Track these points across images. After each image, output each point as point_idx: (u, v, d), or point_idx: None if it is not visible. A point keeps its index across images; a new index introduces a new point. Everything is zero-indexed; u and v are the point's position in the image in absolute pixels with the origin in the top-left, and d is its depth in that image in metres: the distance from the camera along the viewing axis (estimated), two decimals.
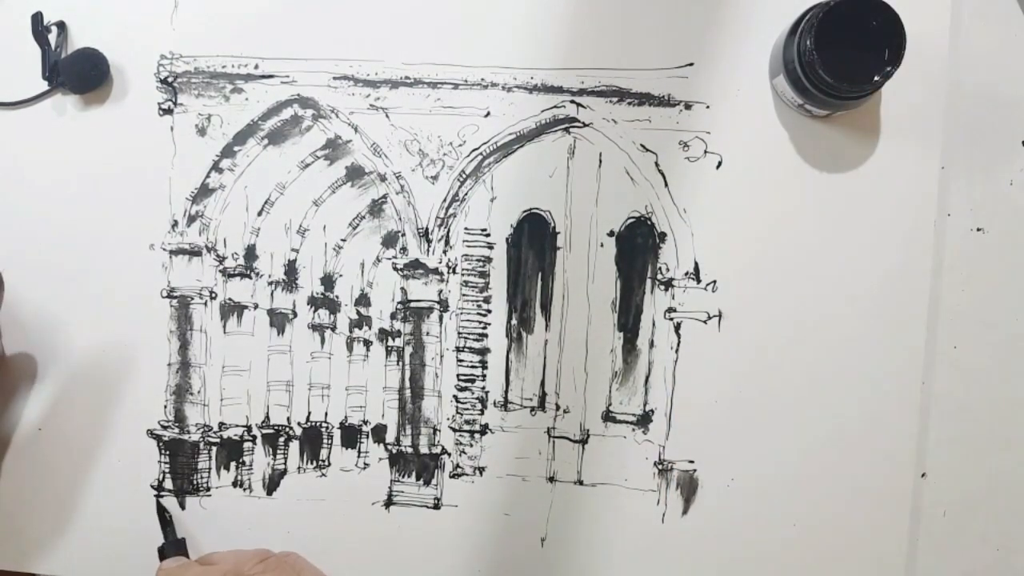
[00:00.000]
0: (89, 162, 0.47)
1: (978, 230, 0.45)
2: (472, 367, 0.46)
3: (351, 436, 0.47)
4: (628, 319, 0.46)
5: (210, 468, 0.47)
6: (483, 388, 0.46)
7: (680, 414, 0.46)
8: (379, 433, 0.47)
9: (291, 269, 0.47)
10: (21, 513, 0.47)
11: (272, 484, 0.47)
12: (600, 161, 0.46)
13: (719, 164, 0.45)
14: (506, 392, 0.46)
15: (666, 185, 0.46)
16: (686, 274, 0.46)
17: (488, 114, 0.46)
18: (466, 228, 0.46)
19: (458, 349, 0.46)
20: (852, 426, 0.45)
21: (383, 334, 0.47)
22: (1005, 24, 0.45)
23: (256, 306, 0.47)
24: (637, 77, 0.45)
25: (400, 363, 0.47)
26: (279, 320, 0.47)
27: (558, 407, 0.46)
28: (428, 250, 0.46)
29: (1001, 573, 0.45)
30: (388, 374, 0.47)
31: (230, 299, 0.47)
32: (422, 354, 0.47)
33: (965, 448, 0.46)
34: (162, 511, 0.46)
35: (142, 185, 0.47)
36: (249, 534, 0.47)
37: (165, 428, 0.47)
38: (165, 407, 0.47)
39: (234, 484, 0.47)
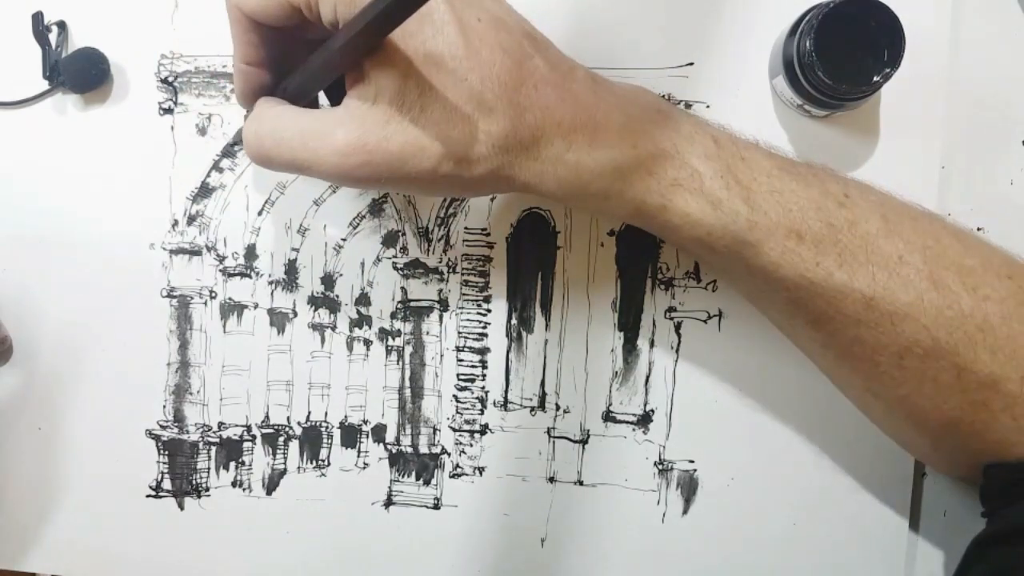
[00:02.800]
0: (89, 162, 0.47)
1: (978, 230, 0.45)
2: (472, 367, 0.46)
3: (351, 436, 0.47)
4: (628, 319, 0.46)
5: (209, 468, 0.47)
6: (483, 388, 0.46)
7: (680, 414, 0.46)
8: (379, 433, 0.47)
9: (291, 268, 0.47)
10: (20, 512, 0.47)
11: (272, 484, 0.47)
12: None
13: None
14: (506, 392, 0.46)
15: None
16: (686, 274, 0.46)
17: None
18: (466, 228, 0.46)
19: (458, 349, 0.46)
20: (852, 426, 0.45)
21: (383, 333, 0.47)
22: (1005, 25, 0.45)
23: (256, 305, 0.47)
24: (637, 77, 0.45)
25: (400, 363, 0.47)
26: (279, 319, 0.47)
27: (558, 407, 0.46)
28: (428, 249, 0.46)
29: None
30: (388, 374, 0.47)
31: (230, 298, 0.47)
32: (422, 353, 0.47)
33: None
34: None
35: (142, 185, 0.47)
36: (248, 534, 0.47)
37: (164, 428, 0.47)
38: (164, 407, 0.47)
39: (233, 484, 0.47)
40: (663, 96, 0.45)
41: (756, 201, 0.36)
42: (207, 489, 0.47)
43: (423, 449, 0.47)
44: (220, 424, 0.47)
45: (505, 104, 0.33)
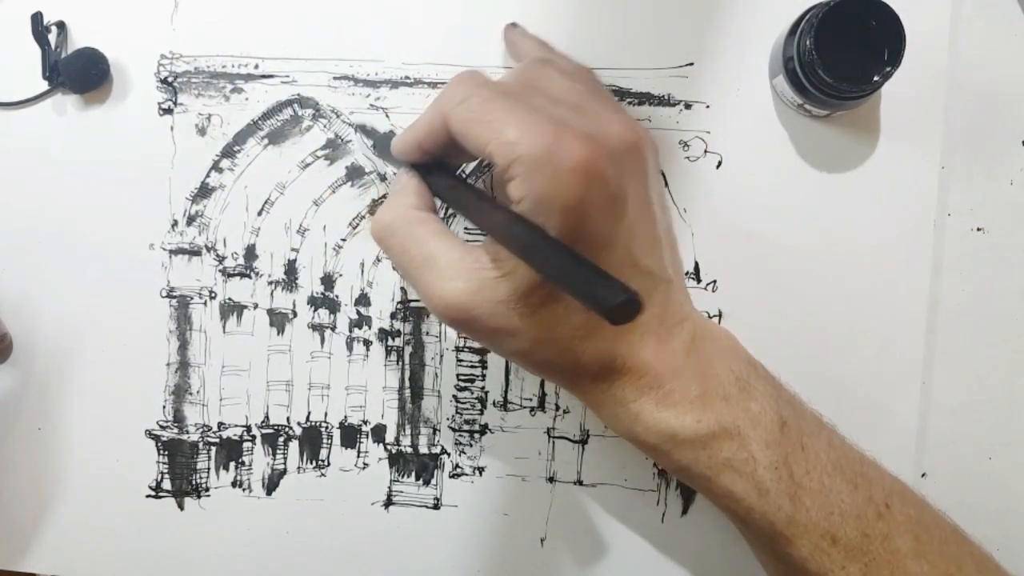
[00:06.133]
0: (89, 162, 0.47)
1: (978, 230, 0.45)
2: (472, 367, 0.46)
3: (351, 436, 0.47)
4: None
5: (209, 468, 0.47)
6: (483, 388, 0.46)
7: None
8: (379, 433, 0.47)
9: (291, 269, 0.47)
10: (20, 513, 0.47)
11: (272, 484, 0.47)
12: None
13: (719, 164, 0.45)
14: (506, 392, 0.46)
15: (666, 185, 0.46)
16: (686, 274, 0.46)
17: None
18: (466, 228, 0.46)
19: (458, 349, 0.46)
20: (852, 426, 0.45)
21: (383, 334, 0.47)
22: (1005, 24, 0.45)
23: (256, 306, 0.47)
24: (637, 77, 0.45)
25: (400, 363, 0.47)
26: (279, 320, 0.47)
27: (558, 407, 0.46)
28: None
29: None
30: (388, 374, 0.47)
31: (230, 299, 0.47)
32: (422, 354, 0.47)
33: (965, 448, 0.46)
34: (360, 128, 0.45)
35: (142, 185, 0.47)
36: (248, 534, 0.47)
37: (164, 428, 0.47)
38: (164, 407, 0.47)
39: (233, 484, 0.47)
40: (663, 96, 0.45)
41: (802, 498, 0.36)
42: (207, 489, 0.47)
43: (423, 449, 0.47)
44: (220, 424, 0.47)
45: (606, 345, 0.34)
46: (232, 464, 0.47)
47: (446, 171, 0.38)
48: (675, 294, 0.36)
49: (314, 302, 0.47)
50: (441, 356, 0.46)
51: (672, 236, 0.38)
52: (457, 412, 0.47)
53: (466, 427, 0.47)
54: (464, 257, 0.34)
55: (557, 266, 0.30)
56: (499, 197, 0.36)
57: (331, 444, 0.47)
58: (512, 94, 0.34)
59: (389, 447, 0.47)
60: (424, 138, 0.36)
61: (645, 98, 0.46)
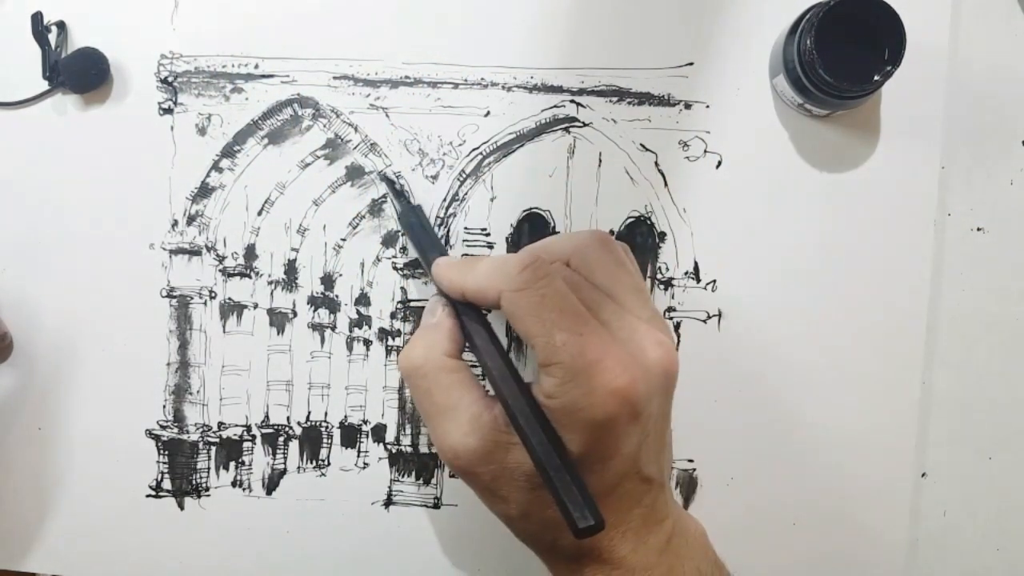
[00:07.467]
0: (89, 162, 0.47)
1: (978, 230, 0.45)
2: (472, 366, 0.46)
3: (351, 436, 0.47)
4: None
5: (209, 468, 0.47)
6: (483, 387, 0.46)
7: (679, 414, 0.46)
8: (379, 433, 0.47)
9: (291, 268, 0.47)
10: (20, 513, 0.47)
11: (272, 484, 0.47)
12: (600, 161, 0.46)
13: (719, 164, 0.45)
14: None
15: (666, 185, 0.46)
16: (686, 274, 0.46)
17: (488, 114, 0.46)
18: (466, 228, 0.46)
19: None
20: (852, 426, 0.45)
21: (383, 334, 0.47)
22: (1005, 24, 0.45)
23: (256, 306, 0.47)
24: (637, 77, 0.45)
25: None
26: (279, 320, 0.47)
27: None
28: None
29: (1001, 573, 0.45)
30: (388, 374, 0.47)
31: (230, 299, 0.47)
32: None
33: (965, 448, 0.46)
34: (390, 181, 0.46)
35: (142, 185, 0.47)
36: (248, 534, 0.47)
37: (164, 428, 0.47)
38: (164, 407, 0.47)
39: (233, 484, 0.47)
40: (663, 96, 0.45)
41: None
42: (207, 489, 0.47)
43: (423, 449, 0.47)
44: (220, 424, 0.47)
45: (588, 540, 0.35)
46: (232, 464, 0.47)
47: (480, 317, 0.38)
48: (664, 495, 0.37)
49: (314, 302, 0.47)
50: None
51: (671, 437, 0.38)
52: None
53: None
54: (483, 413, 0.35)
55: (545, 465, 0.32)
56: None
57: (331, 444, 0.47)
58: (568, 290, 0.34)
59: (389, 447, 0.47)
60: (470, 293, 0.37)
61: (645, 98, 0.46)
